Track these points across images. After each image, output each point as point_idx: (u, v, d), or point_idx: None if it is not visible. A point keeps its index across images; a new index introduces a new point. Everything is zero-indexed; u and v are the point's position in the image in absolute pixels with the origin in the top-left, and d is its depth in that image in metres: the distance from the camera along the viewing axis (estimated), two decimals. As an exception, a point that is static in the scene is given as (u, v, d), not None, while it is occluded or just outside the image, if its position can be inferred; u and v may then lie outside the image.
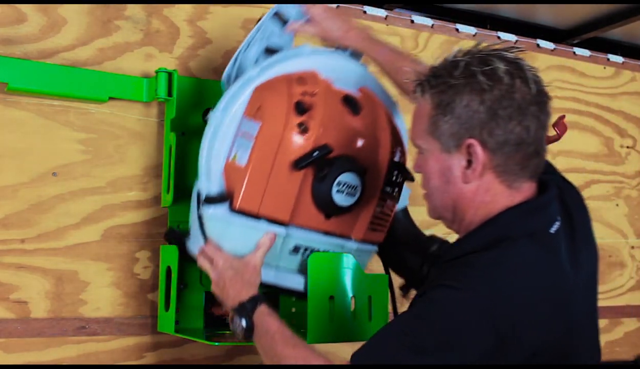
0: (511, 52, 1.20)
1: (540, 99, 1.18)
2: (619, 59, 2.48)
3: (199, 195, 1.44)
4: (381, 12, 2.05)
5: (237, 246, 1.41)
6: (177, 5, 1.76)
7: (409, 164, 1.46)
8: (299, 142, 1.38)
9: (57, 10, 1.63)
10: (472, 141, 1.16)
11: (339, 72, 1.49)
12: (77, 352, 1.62)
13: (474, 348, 1.07)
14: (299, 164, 1.38)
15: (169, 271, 1.60)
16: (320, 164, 1.39)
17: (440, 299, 1.11)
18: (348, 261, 1.50)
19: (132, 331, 1.67)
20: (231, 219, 1.39)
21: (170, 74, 1.64)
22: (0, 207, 1.56)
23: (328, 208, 1.43)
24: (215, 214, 1.40)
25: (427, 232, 1.90)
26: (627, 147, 2.50)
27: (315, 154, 1.38)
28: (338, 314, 1.47)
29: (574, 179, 2.36)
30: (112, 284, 1.66)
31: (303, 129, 1.38)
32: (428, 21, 2.13)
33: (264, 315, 1.32)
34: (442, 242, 1.59)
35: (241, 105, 1.41)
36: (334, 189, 1.40)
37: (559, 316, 1.13)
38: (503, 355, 1.07)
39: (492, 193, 1.19)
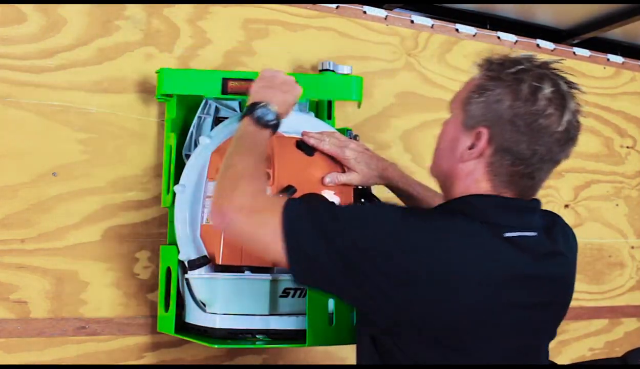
0: (571, 88, 1.26)
1: (563, 137, 1.24)
2: (619, 59, 2.48)
3: (183, 263, 1.53)
4: (381, 12, 2.05)
5: (231, 299, 1.49)
6: (177, 5, 1.76)
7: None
8: None
9: (57, 10, 1.63)
10: (484, 130, 1.24)
11: (286, 122, 1.59)
12: (77, 352, 1.62)
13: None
14: None
15: (168, 271, 1.60)
16: None
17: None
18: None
19: (132, 331, 1.67)
20: (217, 276, 1.48)
21: (170, 74, 1.64)
22: (0, 207, 1.56)
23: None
24: (201, 276, 1.49)
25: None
26: (627, 147, 2.50)
27: (281, 196, 1.44)
28: (337, 317, 1.48)
29: (574, 179, 2.39)
30: (112, 284, 1.66)
31: None
32: (428, 21, 2.13)
33: (269, 134, 1.39)
34: None
35: (202, 171, 1.52)
36: None
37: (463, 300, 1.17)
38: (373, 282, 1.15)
39: (478, 186, 1.26)
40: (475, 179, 1.26)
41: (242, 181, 1.25)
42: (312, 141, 1.55)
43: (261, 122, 1.37)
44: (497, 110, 1.24)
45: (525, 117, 1.22)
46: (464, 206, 1.24)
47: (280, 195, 1.44)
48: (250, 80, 1.55)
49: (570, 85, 1.26)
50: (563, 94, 1.24)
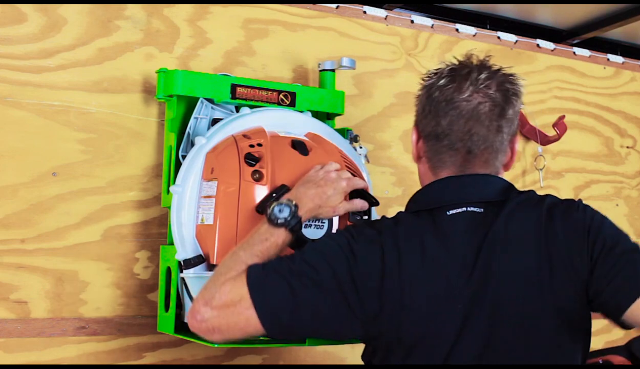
0: (487, 66, 1.31)
1: (470, 106, 1.26)
2: (619, 59, 2.48)
3: (179, 263, 1.53)
4: (381, 12, 2.05)
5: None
6: (177, 5, 1.76)
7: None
8: (256, 190, 1.48)
9: (57, 10, 1.63)
10: (413, 130, 1.36)
11: (283, 122, 1.63)
12: (77, 352, 1.62)
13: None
14: (260, 208, 1.46)
15: (169, 271, 1.60)
16: None
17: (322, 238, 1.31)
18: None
19: (132, 331, 1.67)
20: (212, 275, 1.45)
21: (170, 74, 1.64)
22: (0, 207, 1.56)
23: (300, 244, 1.48)
24: (196, 275, 1.48)
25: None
26: (627, 147, 2.50)
27: (274, 195, 1.46)
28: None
29: (574, 179, 2.39)
30: (112, 284, 1.66)
31: (257, 177, 1.48)
32: (428, 21, 2.13)
33: (283, 234, 1.33)
34: None
35: (197, 172, 1.52)
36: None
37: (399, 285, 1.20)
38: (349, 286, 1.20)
39: (426, 177, 1.34)
40: (423, 171, 1.36)
41: (219, 278, 1.24)
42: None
43: (272, 221, 1.32)
44: (416, 109, 1.35)
45: (424, 98, 1.32)
46: (410, 204, 1.33)
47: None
48: (258, 87, 1.65)
49: (485, 62, 1.31)
50: (466, 66, 1.30)
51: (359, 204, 1.49)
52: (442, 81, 1.29)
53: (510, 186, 1.30)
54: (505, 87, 1.28)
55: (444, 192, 1.28)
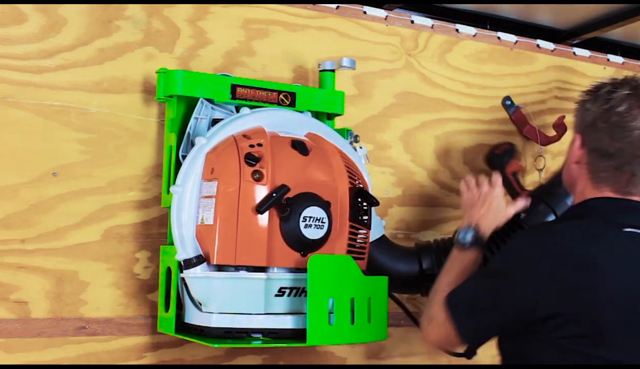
0: None
1: None
2: (619, 59, 2.47)
3: (179, 263, 1.54)
4: (381, 12, 2.05)
5: (226, 298, 1.49)
6: (177, 5, 1.76)
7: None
8: (256, 190, 1.49)
9: (57, 10, 1.63)
10: (577, 135, 1.45)
11: (283, 122, 1.64)
12: (77, 352, 1.62)
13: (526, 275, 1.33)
14: (260, 208, 1.48)
15: (169, 272, 1.60)
16: (282, 205, 1.48)
17: (510, 243, 1.46)
18: (347, 263, 1.51)
19: (132, 331, 1.68)
20: (212, 275, 1.49)
21: (170, 74, 1.64)
22: (0, 207, 1.57)
23: (301, 244, 1.51)
24: (196, 275, 1.49)
25: (425, 235, 1.91)
26: (627, 147, 2.49)
27: (274, 195, 1.48)
28: (337, 316, 1.48)
29: (574, 179, 2.36)
30: (112, 284, 1.66)
31: (257, 177, 1.49)
32: (428, 21, 2.13)
33: (473, 253, 1.55)
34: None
35: (197, 172, 1.53)
36: (302, 224, 1.49)
37: (595, 290, 1.30)
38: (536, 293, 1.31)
39: (585, 185, 1.43)
40: (582, 179, 1.43)
41: (432, 301, 1.46)
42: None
43: (462, 245, 1.56)
44: (584, 116, 1.44)
45: (599, 117, 1.40)
46: (585, 210, 1.42)
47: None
48: (258, 88, 1.65)
49: None
50: None
51: (521, 204, 1.68)
52: (620, 108, 1.37)
53: None
54: None
55: (618, 211, 1.40)
